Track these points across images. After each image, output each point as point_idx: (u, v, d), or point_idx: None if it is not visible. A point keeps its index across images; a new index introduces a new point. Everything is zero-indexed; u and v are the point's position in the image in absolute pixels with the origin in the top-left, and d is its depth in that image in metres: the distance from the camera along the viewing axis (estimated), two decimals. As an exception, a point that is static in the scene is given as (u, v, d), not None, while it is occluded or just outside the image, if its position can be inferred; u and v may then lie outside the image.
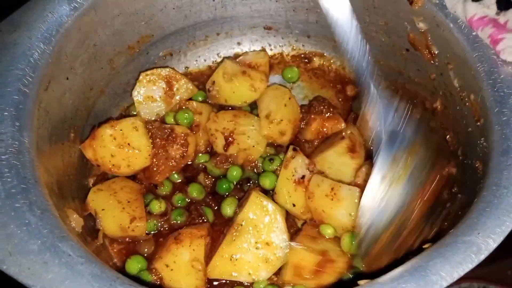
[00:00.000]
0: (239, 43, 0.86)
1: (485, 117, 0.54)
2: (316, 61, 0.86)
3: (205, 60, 0.86)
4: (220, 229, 0.69)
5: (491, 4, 0.57)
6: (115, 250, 0.67)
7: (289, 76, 0.84)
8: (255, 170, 0.75)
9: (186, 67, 0.85)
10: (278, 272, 0.64)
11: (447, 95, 0.65)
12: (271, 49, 0.86)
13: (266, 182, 0.71)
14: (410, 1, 0.63)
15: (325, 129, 0.76)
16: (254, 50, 0.85)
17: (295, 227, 0.70)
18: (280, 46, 0.86)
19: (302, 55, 0.86)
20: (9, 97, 0.54)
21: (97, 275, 0.43)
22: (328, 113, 0.76)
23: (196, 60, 0.85)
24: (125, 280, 0.44)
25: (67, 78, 0.64)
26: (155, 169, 0.71)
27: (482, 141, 0.54)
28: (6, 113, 0.53)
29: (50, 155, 0.58)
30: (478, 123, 0.56)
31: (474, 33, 0.58)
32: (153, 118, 0.76)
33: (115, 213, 0.65)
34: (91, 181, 0.71)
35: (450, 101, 0.64)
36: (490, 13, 0.56)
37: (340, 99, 0.84)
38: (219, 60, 0.86)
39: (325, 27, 0.80)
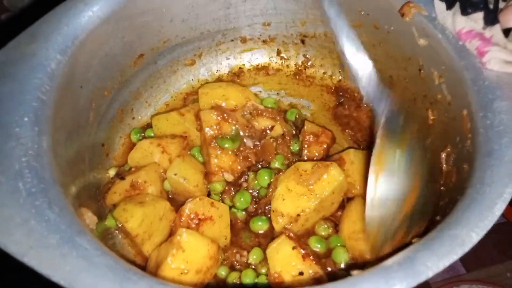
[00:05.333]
0: (242, 54, 0.90)
1: (471, 121, 0.57)
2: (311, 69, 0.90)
3: (211, 69, 0.90)
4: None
5: (478, 19, 0.60)
6: None
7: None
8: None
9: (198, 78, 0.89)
10: None
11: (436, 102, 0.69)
12: (272, 60, 0.90)
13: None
14: (401, 14, 0.67)
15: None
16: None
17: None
18: (281, 56, 0.90)
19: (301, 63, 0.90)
20: (28, 104, 0.58)
21: (112, 267, 0.46)
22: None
23: (203, 69, 0.90)
24: (138, 270, 0.47)
25: (81, 87, 0.68)
26: None
27: (468, 143, 0.57)
28: (26, 119, 0.56)
29: (66, 158, 0.61)
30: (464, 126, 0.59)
31: (460, 43, 0.62)
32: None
33: None
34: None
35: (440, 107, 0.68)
36: (477, 27, 0.60)
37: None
38: (224, 68, 0.90)
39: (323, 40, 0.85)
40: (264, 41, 0.89)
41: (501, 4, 0.62)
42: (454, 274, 0.90)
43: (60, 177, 0.56)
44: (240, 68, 0.91)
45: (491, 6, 0.60)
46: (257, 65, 0.91)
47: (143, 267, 0.65)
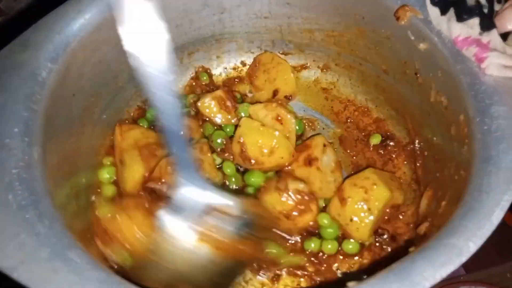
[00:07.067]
0: (237, 58, 0.90)
1: (468, 127, 0.57)
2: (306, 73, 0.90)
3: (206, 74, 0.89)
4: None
5: (474, 25, 0.59)
6: None
7: None
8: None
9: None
10: None
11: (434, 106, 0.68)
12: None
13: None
14: (396, 17, 0.66)
15: None
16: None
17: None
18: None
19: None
20: (19, 114, 0.57)
21: (104, 280, 0.46)
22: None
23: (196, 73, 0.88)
24: (131, 286, 0.46)
25: (74, 95, 0.67)
26: None
27: (465, 149, 0.57)
28: (17, 129, 0.56)
29: (58, 168, 0.60)
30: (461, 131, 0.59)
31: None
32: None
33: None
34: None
35: (436, 110, 0.67)
36: (473, 33, 0.59)
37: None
38: (219, 73, 0.89)
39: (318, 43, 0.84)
40: (259, 46, 0.88)
41: (497, 7, 0.61)
42: (454, 275, 0.89)
43: (52, 189, 0.55)
44: (236, 72, 0.90)
45: (486, 10, 0.59)
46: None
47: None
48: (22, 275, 0.46)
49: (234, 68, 0.90)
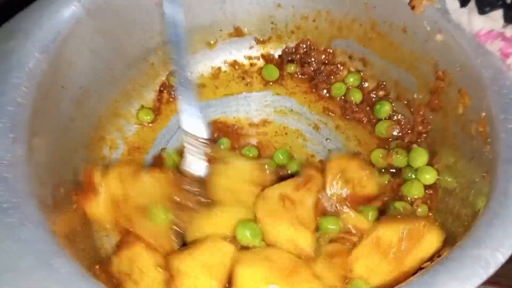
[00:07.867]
0: (237, 48, 0.85)
1: (490, 124, 0.52)
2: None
3: (204, 65, 0.85)
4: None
5: (497, 18, 0.55)
6: None
7: None
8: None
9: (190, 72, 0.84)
10: None
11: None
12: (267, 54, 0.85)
13: None
14: (412, 6, 0.62)
15: None
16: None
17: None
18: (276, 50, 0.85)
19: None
20: (4, 107, 0.53)
21: (91, 292, 0.42)
22: None
23: (199, 65, 0.84)
24: (120, 296, 0.43)
25: (63, 87, 0.63)
26: None
27: (487, 149, 0.52)
28: (1, 125, 0.52)
29: (46, 166, 0.56)
30: (482, 130, 0.55)
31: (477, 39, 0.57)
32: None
33: None
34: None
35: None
36: (497, 26, 0.55)
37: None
38: (218, 65, 0.85)
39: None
40: (263, 36, 0.84)
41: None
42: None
43: (37, 189, 0.51)
44: (236, 63, 0.86)
45: (509, 1, 0.55)
46: (255, 63, 0.86)
47: None
48: (2, 286, 0.43)
49: (236, 60, 0.86)
